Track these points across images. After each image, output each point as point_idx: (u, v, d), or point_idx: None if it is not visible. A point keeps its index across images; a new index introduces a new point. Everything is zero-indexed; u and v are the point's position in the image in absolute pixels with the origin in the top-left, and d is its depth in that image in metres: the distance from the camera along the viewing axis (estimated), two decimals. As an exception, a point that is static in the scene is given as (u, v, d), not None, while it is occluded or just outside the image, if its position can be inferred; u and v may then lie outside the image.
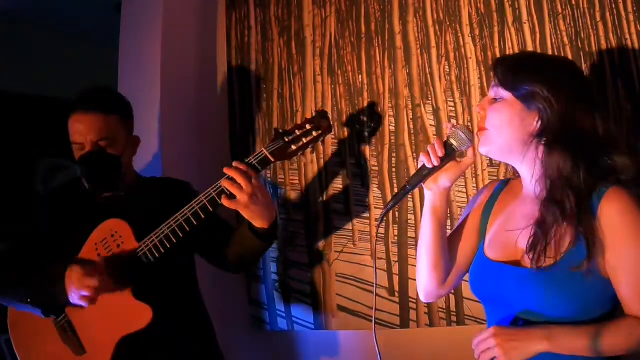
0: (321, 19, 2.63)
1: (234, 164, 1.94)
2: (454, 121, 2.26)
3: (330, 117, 2.14)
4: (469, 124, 2.23)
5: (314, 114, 2.05)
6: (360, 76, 2.52)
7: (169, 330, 2.05)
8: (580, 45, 2.05)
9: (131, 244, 2.00)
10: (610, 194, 1.43)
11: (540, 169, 1.51)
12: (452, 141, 1.59)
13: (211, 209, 1.96)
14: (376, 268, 1.69)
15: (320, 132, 2.01)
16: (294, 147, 1.99)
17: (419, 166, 1.61)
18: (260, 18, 2.80)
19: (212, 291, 2.49)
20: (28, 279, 2.02)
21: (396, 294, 2.38)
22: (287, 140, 1.98)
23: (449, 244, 1.68)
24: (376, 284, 1.68)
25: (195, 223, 1.97)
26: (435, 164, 1.57)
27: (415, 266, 2.30)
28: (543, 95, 1.49)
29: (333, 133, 2.54)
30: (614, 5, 2.00)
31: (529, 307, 1.45)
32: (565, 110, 1.48)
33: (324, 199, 2.57)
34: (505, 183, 1.71)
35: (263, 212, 1.96)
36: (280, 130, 2.01)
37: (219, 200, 1.94)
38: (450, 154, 1.59)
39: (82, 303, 1.95)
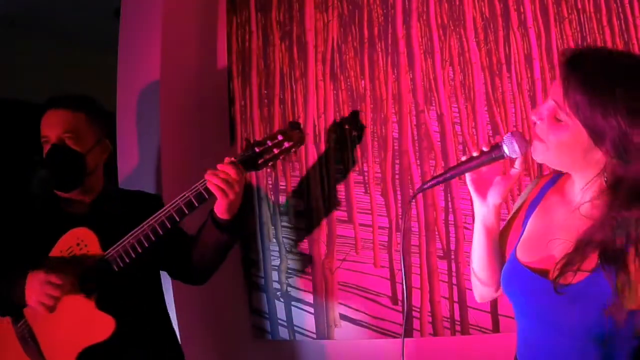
0: (323, 24, 2.61)
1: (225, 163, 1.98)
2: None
3: (305, 125, 2.14)
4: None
5: (287, 125, 2.06)
6: (362, 81, 2.49)
7: (131, 343, 2.01)
8: (586, 49, 2.03)
9: (97, 252, 1.99)
10: None
11: (604, 207, 1.33)
12: (503, 145, 1.47)
13: (186, 212, 1.98)
14: (403, 265, 1.61)
15: (291, 143, 2.00)
16: (265, 157, 1.99)
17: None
18: (261, 22, 2.78)
19: (213, 300, 2.46)
20: None
21: (399, 303, 2.35)
22: (257, 150, 1.99)
23: (500, 240, 1.60)
24: (405, 286, 1.61)
25: (168, 226, 1.97)
26: (474, 154, 1.49)
27: (418, 274, 2.31)
28: (620, 137, 1.26)
29: (335, 139, 2.52)
30: (620, 10, 1.98)
31: (553, 318, 1.39)
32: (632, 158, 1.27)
33: (326, 206, 2.54)
34: (554, 181, 1.56)
35: (237, 206, 2.02)
36: (252, 141, 2.03)
37: (205, 195, 1.97)
38: (495, 155, 1.48)
39: (40, 309, 1.92)
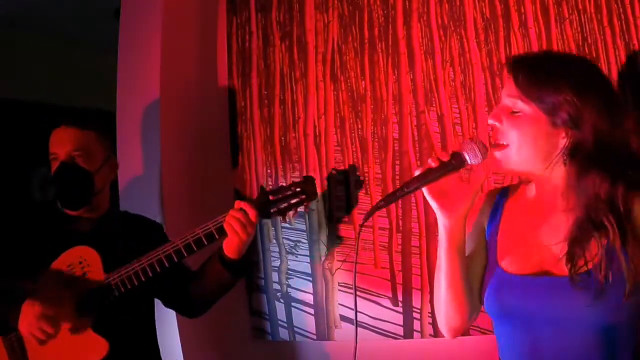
0: (323, 24, 2.60)
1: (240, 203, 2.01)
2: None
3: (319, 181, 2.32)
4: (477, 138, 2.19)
5: (302, 179, 2.11)
6: (363, 82, 2.48)
7: None
8: (587, 50, 2.02)
9: (99, 273, 1.98)
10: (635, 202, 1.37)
11: (568, 184, 1.42)
12: (464, 152, 1.45)
13: (197, 247, 2.00)
14: (356, 271, 1.56)
15: (304, 196, 2.06)
16: (278, 207, 2.04)
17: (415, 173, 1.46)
18: (261, 23, 2.77)
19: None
20: None
21: (400, 304, 2.34)
22: (271, 199, 2.03)
23: (469, 263, 1.56)
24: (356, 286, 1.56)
25: (175, 260, 1.99)
26: (433, 165, 1.44)
27: (419, 275, 2.30)
28: (573, 108, 1.38)
29: (335, 140, 2.52)
30: (621, 10, 1.97)
31: (568, 316, 1.38)
32: (598, 125, 1.37)
33: (327, 207, 2.53)
34: (506, 192, 1.61)
35: (246, 247, 2.02)
36: (266, 189, 2.08)
37: (216, 235, 2.00)
38: (456, 164, 1.45)
39: (31, 340, 1.91)
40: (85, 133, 2.11)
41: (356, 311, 1.49)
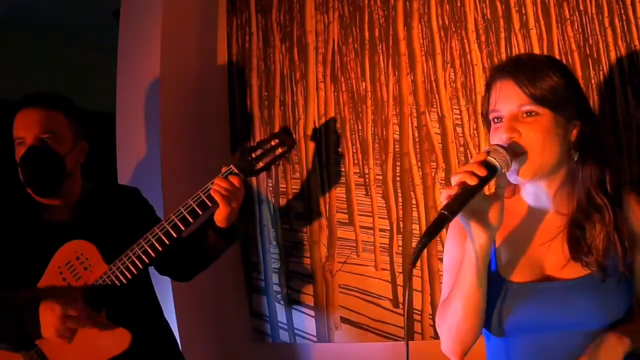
0: (324, 25, 2.59)
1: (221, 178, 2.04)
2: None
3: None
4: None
5: (279, 130, 2.16)
6: (363, 83, 2.48)
7: (142, 349, 1.97)
8: (588, 51, 2.02)
9: (100, 266, 1.94)
10: (629, 200, 1.46)
11: (567, 180, 1.47)
12: (496, 161, 1.33)
13: (192, 220, 2.01)
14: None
15: (285, 148, 2.10)
16: (261, 164, 2.08)
17: (448, 193, 1.30)
18: (261, 24, 2.77)
19: (213, 303, 2.45)
20: None
21: (400, 306, 2.34)
22: (253, 156, 2.07)
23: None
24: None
25: (174, 236, 1.99)
26: (472, 183, 1.29)
27: (419, 277, 2.29)
28: (573, 99, 1.44)
29: (336, 141, 2.51)
30: (622, 11, 1.97)
31: (578, 317, 1.39)
32: (590, 116, 1.47)
33: (327, 208, 2.53)
34: None
35: (235, 215, 2.06)
36: (247, 147, 2.11)
37: (208, 203, 2.01)
38: (490, 176, 1.32)
39: (59, 342, 1.85)
40: (53, 114, 2.00)
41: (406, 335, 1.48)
